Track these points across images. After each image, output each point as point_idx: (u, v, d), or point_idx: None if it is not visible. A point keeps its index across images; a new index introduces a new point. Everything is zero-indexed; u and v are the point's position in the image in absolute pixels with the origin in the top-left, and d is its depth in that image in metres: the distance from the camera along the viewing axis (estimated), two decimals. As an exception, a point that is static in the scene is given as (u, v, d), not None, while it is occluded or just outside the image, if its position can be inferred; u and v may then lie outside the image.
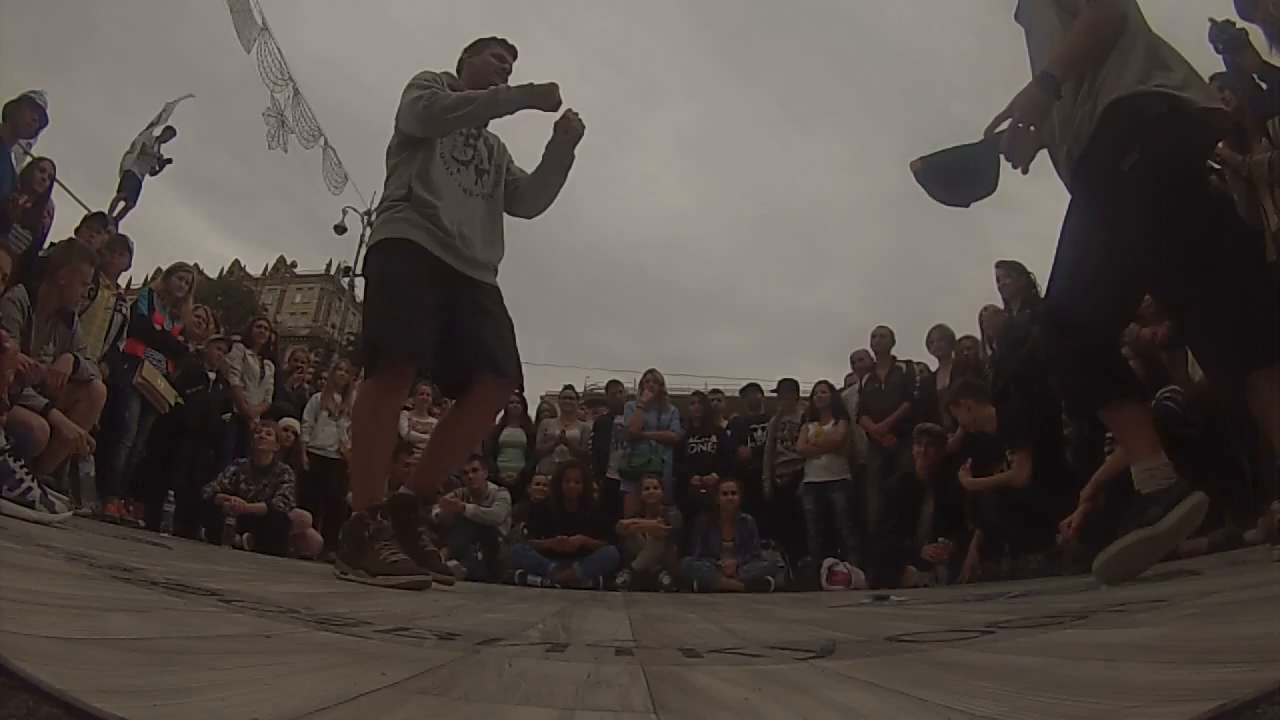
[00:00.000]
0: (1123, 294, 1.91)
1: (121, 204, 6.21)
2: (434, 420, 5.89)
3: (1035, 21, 2.09)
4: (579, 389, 7.89)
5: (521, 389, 2.80)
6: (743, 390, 6.51)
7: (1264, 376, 1.70)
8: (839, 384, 5.58)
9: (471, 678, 0.70)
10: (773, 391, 6.28)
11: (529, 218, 2.78)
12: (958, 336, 5.01)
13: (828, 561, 4.58)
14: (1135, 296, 2.11)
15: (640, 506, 5.11)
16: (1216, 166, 2.81)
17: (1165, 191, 1.77)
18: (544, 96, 2.39)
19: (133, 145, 6.44)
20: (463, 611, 1.62)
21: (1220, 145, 2.65)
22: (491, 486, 4.94)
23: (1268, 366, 1.69)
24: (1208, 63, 3.08)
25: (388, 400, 2.48)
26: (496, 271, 2.63)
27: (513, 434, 5.82)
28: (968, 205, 2.06)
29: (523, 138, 2.79)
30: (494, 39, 2.71)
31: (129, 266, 5.05)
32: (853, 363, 5.58)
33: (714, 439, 5.58)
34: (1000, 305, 4.56)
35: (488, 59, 2.65)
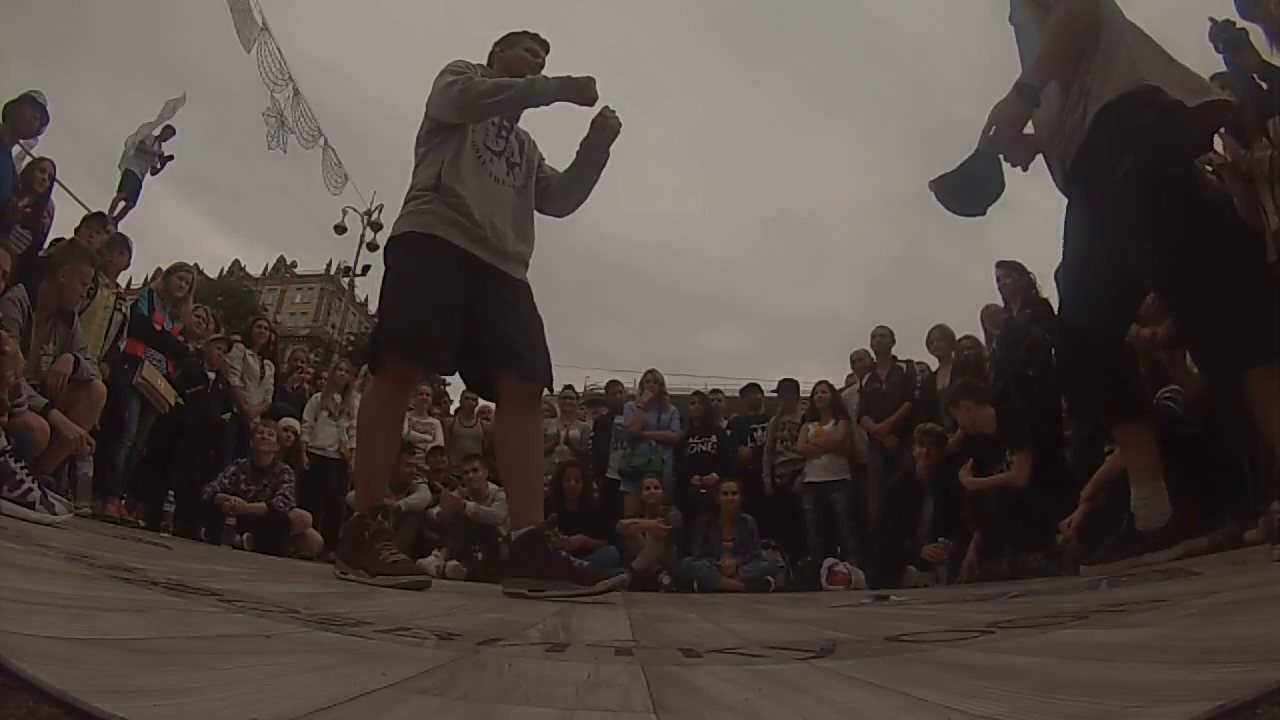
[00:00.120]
0: (1124, 296, 1.91)
1: (121, 204, 6.21)
2: (434, 420, 5.90)
3: (1022, 22, 2.11)
4: (579, 389, 7.90)
5: (551, 388, 2.70)
6: (743, 390, 6.51)
7: (1261, 374, 1.71)
8: (839, 384, 5.57)
9: (471, 678, 0.70)
10: (773, 391, 6.28)
11: (560, 216, 2.70)
12: (958, 336, 5.00)
13: (828, 561, 4.58)
14: (1136, 298, 2.11)
15: (640, 506, 5.11)
16: (1212, 168, 2.81)
17: (1161, 195, 1.78)
18: (581, 89, 2.31)
19: (128, 144, 6.41)
20: (463, 611, 1.61)
21: (1219, 142, 2.65)
22: (492, 486, 4.93)
23: (1265, 364, 1.69)
24: (1208, 62, 3.07)
25: (393, 401, 2.45)
26: (527, 266, 2.52)
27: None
28: (984, 212, 2.10)
29: (548, 136, 2.72)
30: (526, 33, 2.64)
31: (129, 266, 5.07)
32: (853, 363, 5.57)
33: (714, 439, 5.58)
34: (1000, 305, 4.56)
35: (521, 53, 2.58)
